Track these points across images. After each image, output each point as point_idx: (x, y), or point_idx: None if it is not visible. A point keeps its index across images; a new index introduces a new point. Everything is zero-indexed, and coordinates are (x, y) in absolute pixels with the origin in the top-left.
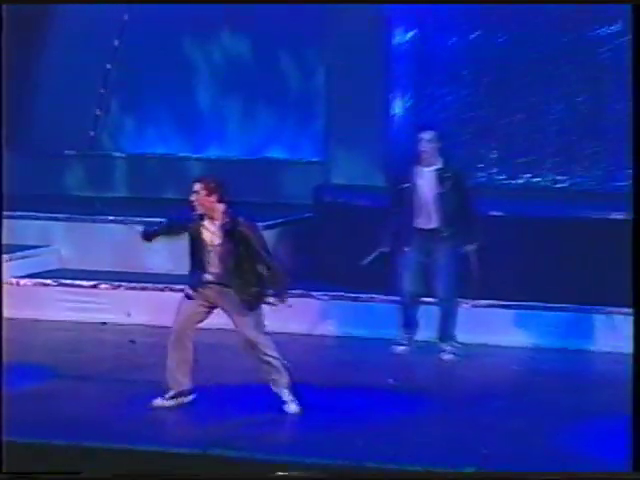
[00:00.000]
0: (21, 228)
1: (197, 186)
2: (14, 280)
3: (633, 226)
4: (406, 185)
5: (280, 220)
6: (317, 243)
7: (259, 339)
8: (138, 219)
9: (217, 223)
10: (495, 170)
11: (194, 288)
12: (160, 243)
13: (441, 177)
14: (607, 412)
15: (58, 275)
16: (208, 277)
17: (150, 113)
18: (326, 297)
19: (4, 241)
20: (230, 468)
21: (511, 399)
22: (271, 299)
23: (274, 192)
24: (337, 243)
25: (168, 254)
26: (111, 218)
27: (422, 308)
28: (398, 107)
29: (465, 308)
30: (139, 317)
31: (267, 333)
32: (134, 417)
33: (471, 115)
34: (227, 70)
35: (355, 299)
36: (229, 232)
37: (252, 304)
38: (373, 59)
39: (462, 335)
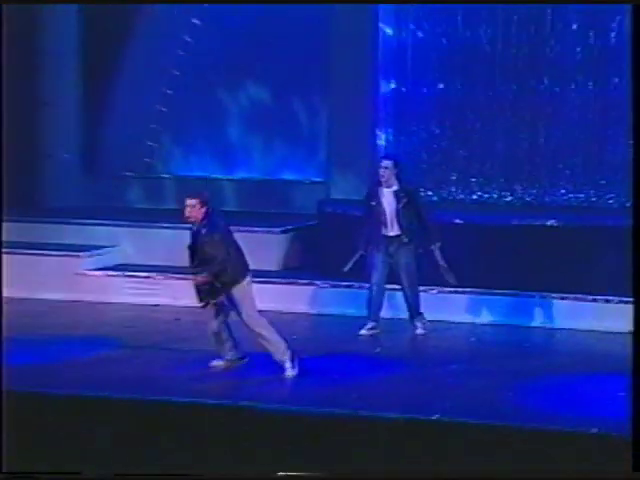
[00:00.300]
0: (95, 232)
1: (193, 201)
2: (88, 272)
3: (633, 220)
4: (374, 202)
5: (292, 226)
6: (320, 244)
7: (249, 320)
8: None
9: (197, 229)
10: (454, 189)
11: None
12: None
13: (397, 196)
14: (542, 374)
15: (122, 268)
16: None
17: (192, 145)
18: (326, 285)
19: (81, 242)
20: (253, 416)
21: (468, 363)
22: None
23: (287, 205)
24: (335, 244)
25: None
26: (164, 225)
27: (387, 297)
28: (383, 140)
29: (432, 294)
30: (184, 300)
31: (260, 314)
32: (179, 376)
33: (438, 146)
34: (251, 111)
35: (348, 287)
36: (197, 237)
37: (204, 292)
38: (364, 103)
39: (430, 314)
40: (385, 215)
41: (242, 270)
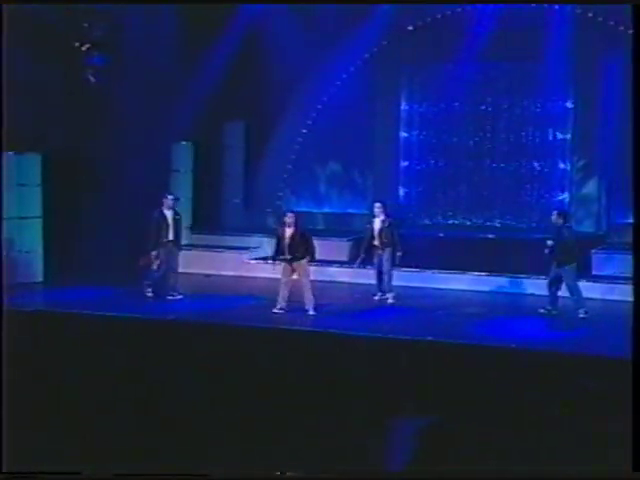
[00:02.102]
0: (250, 240)
1: (291, 214)
2: (247, 261)
3: (633, 220)
4: (369, 225)
5: (352, 237)
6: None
7: (306, 282)
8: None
9: (290, 229)
10: (440, 218)
11: (281, 259)
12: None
13: (382, 223)
14: (487, 315)
15: (264, 259)
16: (286, 254)
17: (300, 194)
18: (370, 268)
19: (244, 245)
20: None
21: (446, 309)
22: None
23: (350, 225)
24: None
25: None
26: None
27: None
28: (401, 193)
29: (427, 273)
30: (228, 272)
31: (309, 278)
32: (239, 311)
33: (432, 197)
34: (332, 177)
35: (368, 268)
36: (294, 233)
37: (301, 262)
38: (391, 173)
39: (418, 283)
40: (375, 233)
41: (306, 253)
